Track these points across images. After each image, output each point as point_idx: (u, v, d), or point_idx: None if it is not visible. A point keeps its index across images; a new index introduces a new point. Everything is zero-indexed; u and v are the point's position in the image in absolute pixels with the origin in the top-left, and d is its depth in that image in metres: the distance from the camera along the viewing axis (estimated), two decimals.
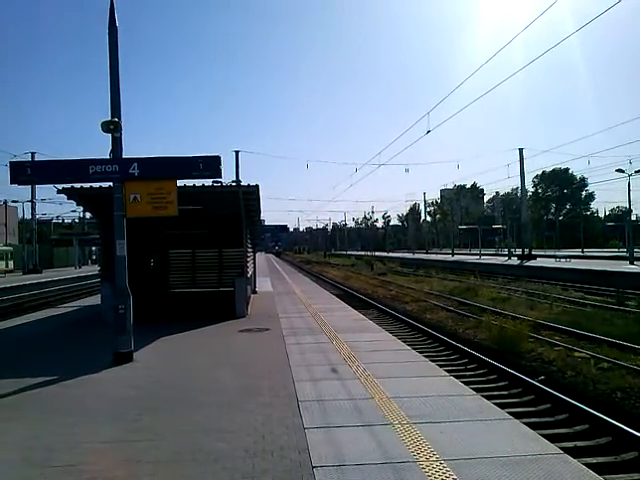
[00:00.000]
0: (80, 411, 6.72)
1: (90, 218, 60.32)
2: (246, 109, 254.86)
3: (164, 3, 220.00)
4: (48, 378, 8.38)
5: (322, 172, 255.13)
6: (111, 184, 10.14)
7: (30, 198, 51.28)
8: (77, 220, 78.28)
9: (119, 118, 9.80)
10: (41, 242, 63.36)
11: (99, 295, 16.87)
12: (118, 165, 9.75)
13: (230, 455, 5.10)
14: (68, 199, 15.31)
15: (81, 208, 50.54)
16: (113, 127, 9.64)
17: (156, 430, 5.87)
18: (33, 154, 40.48)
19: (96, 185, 12.30)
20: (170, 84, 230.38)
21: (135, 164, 9.79)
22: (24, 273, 47.88)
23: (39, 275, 44.28)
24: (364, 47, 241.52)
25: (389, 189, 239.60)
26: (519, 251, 54.55)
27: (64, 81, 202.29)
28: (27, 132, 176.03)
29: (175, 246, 17.04)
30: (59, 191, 13.20)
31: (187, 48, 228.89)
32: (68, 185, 12.61)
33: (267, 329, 13.05)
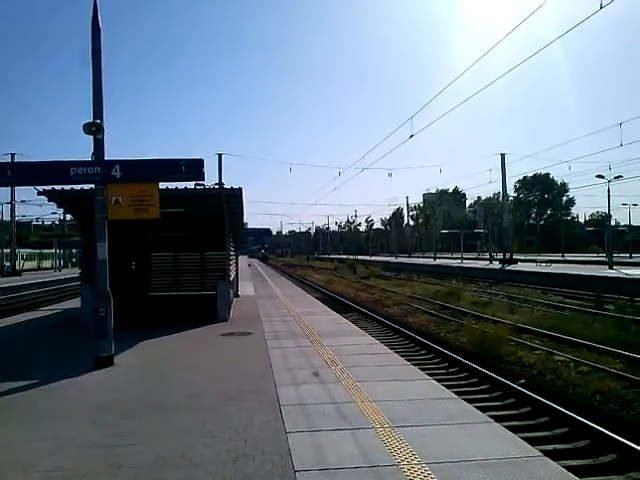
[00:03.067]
0: (61, 415, 6.66)
1: (70, 220, 59.74)
2: (230, 112, 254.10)
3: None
4: (29, 382, 8.27)
5: (305, 176, 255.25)
6: (93, 186, 10.06)
7: (10, 200, 50.71)
8: (57, 222, 77.36)
9: (101, 120, 9.74)
10: (21, 244, 62.62)
11: (79, 298, 16.73)
12: (100, 167, 9.68)
13: (212, 460, 5.08)
14: (49, 201, 15.21)
15: (61, 210, 49.98)
16: (95, 129, 9.58)
17: (138, 434, 5.83)
18: (13, 155, 40.05)
19: (77, 187, 12.18)
20: (154, 87, 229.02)
21: (117, 166, 9.71)
22: (2, 276, 47.24)
23: (18, 278, 43.71)
24: (348, 53, 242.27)
25: (372, 193, 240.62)
26: (500, 255, 55.01)
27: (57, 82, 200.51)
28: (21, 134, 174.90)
29: (157, 249, 16.99)
30: (40, 193, 13.08)
31: (172, 51, 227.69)
32: (49, 187, 12.48)
33: (249, 333, 13.01)
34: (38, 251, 68.86)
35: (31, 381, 8.33)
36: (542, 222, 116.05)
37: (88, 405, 7.12)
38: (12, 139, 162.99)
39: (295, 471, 4.77)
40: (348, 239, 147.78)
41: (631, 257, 57.30)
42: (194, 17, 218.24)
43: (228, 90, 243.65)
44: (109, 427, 6.10)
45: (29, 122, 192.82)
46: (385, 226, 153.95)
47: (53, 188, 12.69)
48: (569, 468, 5.23)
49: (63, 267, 63.73)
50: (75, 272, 40.57)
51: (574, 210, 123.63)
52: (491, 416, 6.82)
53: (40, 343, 12.43)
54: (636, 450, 6.84)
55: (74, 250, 68.83)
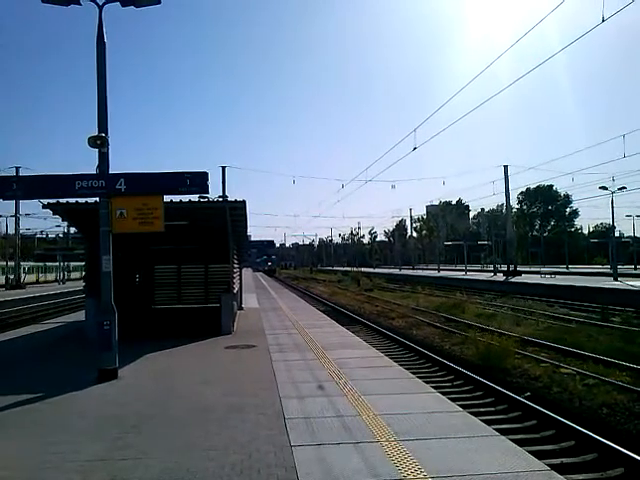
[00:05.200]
0: (65, 429, 6.63)
1: (75, 233, 59.85)
2: (235, 126, 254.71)
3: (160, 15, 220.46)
4: (32, 395, 8.25)
5: (309, 188, 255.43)
6: (97, 199, 10.10)
7: (14, 213, 50.90)
8: (61, 235, 77.62)
9: (106, 133, 9.79)
10: (25, 257, 62.78)
11: (83, 311, 16.72)
12: (105, 180, 9.72)
13: (217, 473, 5.05)
14: (53, 214, 15.21)
15: (65, 223, 50.12)
16: (100, 142, 9.63)
17: (142, 448, 5.80)
18: (18, 169, 40.25)
19: (82, 200, 12.23)
20: (156, 101, 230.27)
21: (122, 179, 9.75)
22: (7, 289, 47.30)
23: (22, 291, 43.76)
24: (353, 65, 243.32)
25: (376, 205, 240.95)
26: (504, 267, 54.89)
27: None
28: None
29: (161, 262, 16.98)
30: (44, 206, 13.13)
31: (177, 63, 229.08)
32: (54, 200, 12.53)
33: (253, 346, 12.98)
34: (42, 264, 69.07)
35: (35, 394, 8.32)
36: (546, 234, 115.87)
37: (92, 418, 7.09)
38: (18, 155, 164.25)
39: None
40: (351, 251, 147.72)
41: (636, 268, 57.13)
42: (200, 35, 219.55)
43: (231, 105, 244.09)
44: (113, 440, 6.08)
45: (36, 137, 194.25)
46: (388, 238, 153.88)
47: (58, 201, 12.75)
48: None
49: (67, 280, 63.76)
50: (78, 285, 40.61)
51: (578, 221, 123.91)
52: (497, 429, 6.79)
53: (44, 356, 12.41)
54: None
55: (72, 263, 68.91)
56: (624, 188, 45.68)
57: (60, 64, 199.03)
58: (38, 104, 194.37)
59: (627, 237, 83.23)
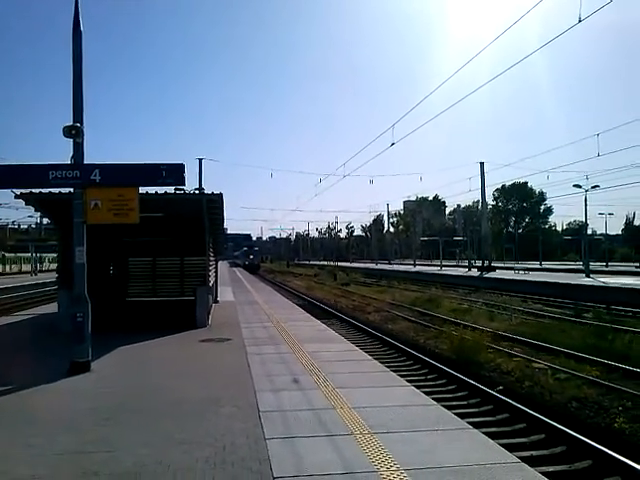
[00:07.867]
0: (36, 422, 6.54)
1: (47, 224, 59.00)
2: (220, 123, 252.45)
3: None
4: (2, 388, 8.12)
5: (288, 183, 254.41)
6: (71, 190, 9.96)
7: None
8: (34, 226, 76.50)
9: (81, 123, 9.64)
10: None
11: (56, 303, 16.49)
12: (79, 171, 9.57)
13: (190, 466, 5.03)
14: (26, 204, 14.95)
15: (38, 214, 49.35)
16: (75, 132, 9.47)
17: (114, 441, 5.75)
18: None
19: (55, 190, 12.02)
20: (134, 94, 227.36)
21: (97, 170, 9.62)
22: None
23: None
24: (335, 60, 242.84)
25: (353, 200, 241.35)
26: (479, 263, 55.42)
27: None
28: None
29: (135, 254, 16.79)
30: (17, 196, 12.90)
31: (158, 56, 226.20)
32: (27, 190, 12.31)
33: (229, 339, 12.94)
34: (13, 254, 68.00)
35: (4, 387, 8.19)
36: (520, 230, 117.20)
37: (64, 411, 7.01)
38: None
39: (274, 477, 4.75)
40: (328, 245, 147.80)
41: (607, 265, 58.10)
42: (184, 26, 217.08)
43: (209, 99, 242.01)
44: (85, 434, 6.01)
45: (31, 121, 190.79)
46: (366, 233, 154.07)
47: (31, 191, 12.52)
48: (546, 474, 5.28)
49: (39, 271, 62.83)
50: (50, 277, 40.02)
51: (552, 219, 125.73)
52: (469, 422, 6.86)
53: (15, 349, 12.22)
54: (611, 456, 6.92)
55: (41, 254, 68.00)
56: (597, 187, 46.33)
57: (41, 54, 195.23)
58: (19, 95, 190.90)
59: (599, 235, 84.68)
